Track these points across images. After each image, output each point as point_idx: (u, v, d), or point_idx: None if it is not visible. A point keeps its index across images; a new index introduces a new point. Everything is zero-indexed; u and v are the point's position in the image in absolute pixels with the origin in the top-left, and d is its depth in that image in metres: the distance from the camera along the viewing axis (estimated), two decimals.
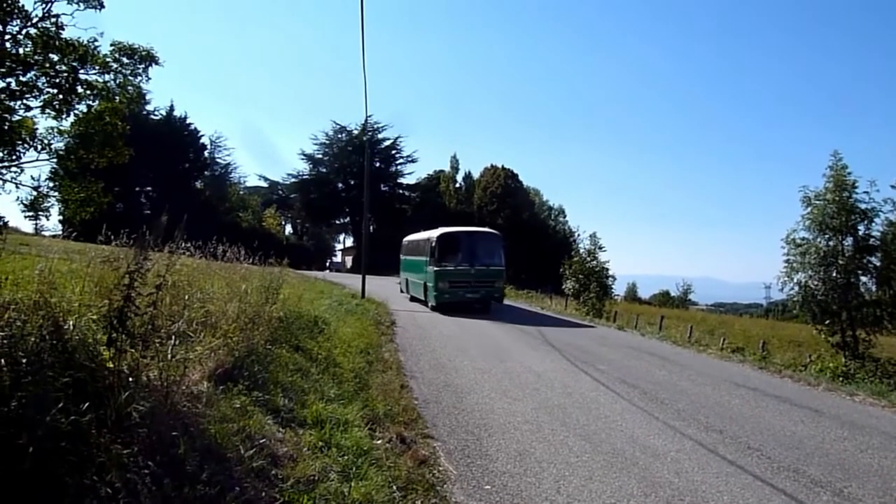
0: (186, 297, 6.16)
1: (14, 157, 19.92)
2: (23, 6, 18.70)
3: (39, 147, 20.34)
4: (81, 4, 19.27)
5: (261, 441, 4.38)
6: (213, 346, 5.59)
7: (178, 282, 6.27)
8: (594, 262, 29.08)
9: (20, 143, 19.82)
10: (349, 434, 5.31)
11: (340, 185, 64.84)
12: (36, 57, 19.14)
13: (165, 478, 3.28)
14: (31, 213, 37.79)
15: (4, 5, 18.00)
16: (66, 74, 19.46)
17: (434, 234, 20.94)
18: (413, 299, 24.01)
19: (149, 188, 59.39)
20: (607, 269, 29.00)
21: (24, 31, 18.92)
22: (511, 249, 24.58)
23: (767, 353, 14.36)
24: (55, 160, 21.19)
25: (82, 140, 20.50)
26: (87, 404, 3.29)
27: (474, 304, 20.61)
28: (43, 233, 35.05)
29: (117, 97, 20.66)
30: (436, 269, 19.96)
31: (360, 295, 20.67)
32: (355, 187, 60.13)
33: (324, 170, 65.25)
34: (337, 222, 70.52)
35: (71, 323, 3.91)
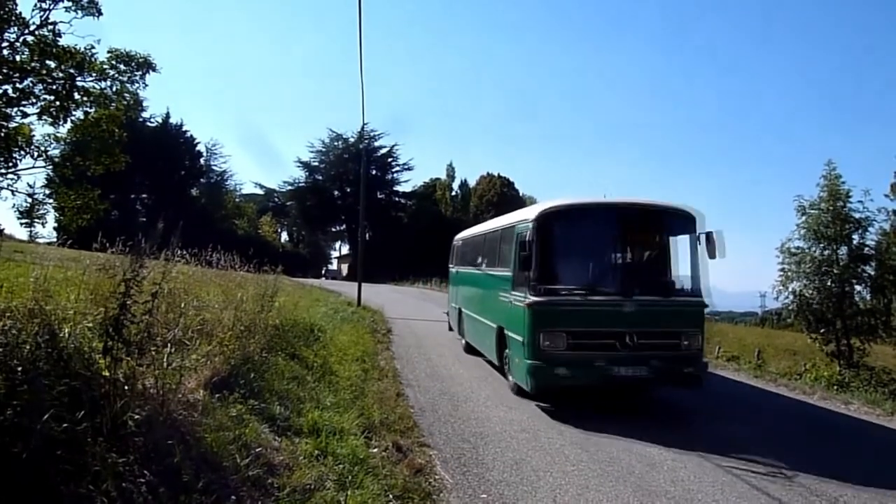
0: (182, 305, 6.16)
1: (10, 165, 19.89)
2: (20, 13, 18.76)
3: (36, 154, 20.32)
4: (79, 12, 19.34)
5: (257, 450, 4.37)
6: (209, 353, 5.58)
7: (173, 290, 6.25)
8: None
9: (17, 149, 19.80)
10: (345, 442, 5.29)
11: (336, 192, 64.91)
12: (33, 64, 19.16)
13: (161, 487, 3.27)
14: (26, 221, 37.68)
15: (2, 13, 18.03)
16: (62, 81, 19.48)
17: (530, 214, 8.68)
18: (470, 350, 12.33)
19: (144, 196, 59.32)
20: None
21: (21, 39, 18.96)
22: None
23: (763, 361, 14.38)
24: (51, 167, 21.17)
25: (79, 147, 20.49)
26: (82, 413, 3.27)
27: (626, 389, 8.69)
28: (38, 240, 34.94)
29: (114, 104, 20.68)
30: (534, 299, 7.90)
31: (356, 303, 20.57)
32: (351, 195, 60.21)
33: (320, 177, 65.34)
34: (333, 230, 70.51)
35: (66, 331, 3.91)
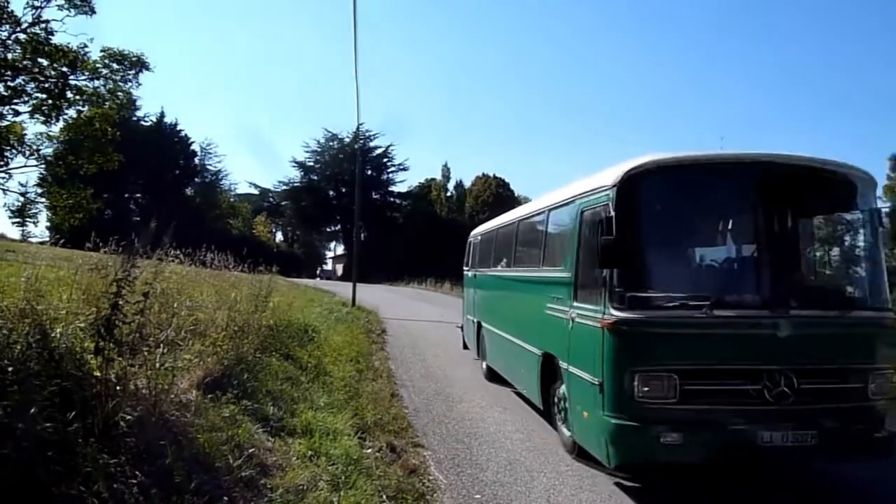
0: (175, 305, 6.13)
1: (2, 163, 19.83)
2: (12, 11, 18.69)
3: (28, 153, 20.28)
4: (72, 10, 19.29)
5: (250, 450, 4.35)
6: (202, 353, 5.57)
7: (166, 289, 6.24)
8: None
9: (8, 148, 19.74)
10: (339, 443, 5.28)
11: (332, 192, 64.83)
12: (25, 62, 19.10)
13: (153, 488, 3.25)
14: (18, 220, 37.51)
15: None
16: (55, 80, 19.43)
17: (606, 179, 5.17)
18: (494, 377, 9.43)
19: (138, 195, 59.14)
20: None
21: (13, 36, 18.89)
22: None
23: None
24: (44, 166, 21.12)
25: (72, 146, 20.45)
26: (73, 413, 3.26)
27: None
28: (30, 239, 34.79)
29: (107, 103, 20.64)
30: (619, 315, 4.69)
31: (350, 303, 20.54)
32: (346, 195, 60.05)
33: (315, 177, 65.24)
34: (328, 230, 70.40)
35: (58, 331, 3.89)
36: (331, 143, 64.26)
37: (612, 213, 4.84)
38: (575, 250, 5.69)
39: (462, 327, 12.56)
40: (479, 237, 11.53)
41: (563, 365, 5.81)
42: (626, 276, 4.76)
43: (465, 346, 12.12)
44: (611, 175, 5.09)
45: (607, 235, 4.75)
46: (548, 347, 6.42)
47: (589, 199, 5.52)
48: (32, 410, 3.03)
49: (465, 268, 12.35)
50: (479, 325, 10.46)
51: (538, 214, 7.53)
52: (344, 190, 62.18)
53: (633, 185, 4.90)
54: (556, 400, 6.33)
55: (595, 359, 4.94)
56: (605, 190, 5.10)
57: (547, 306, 6.28)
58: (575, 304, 5.54)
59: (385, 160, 65.58)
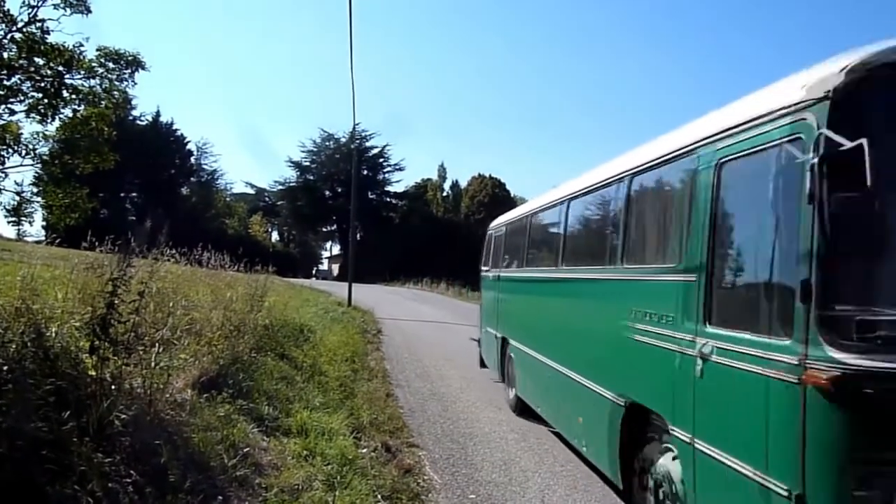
0: (171, 304, 6.13)
1: None
2: (8, 10, 18.64)
3: (24, 152, 20.23)
4: (68, 10, 19.24)
5: (245, 450, 4.36)
6: (197, 353, 5.57)
7: (162, 289, 6.23)
8: None
9: (4, 147, 19.69)
10: (334, 443, 5.28)
11: (328, 192, 64.79)
12: (21, 61, 19.05)
13: (148, 487, 3.26)
14: (13, 219, 37.35)
15: None
16: (51, 79, 19.39)
17: (793, 92, 2.61)
18: (526, 410, 7.35)
19: (134, 194, 58.93)
20: None
21: (8, 36, 18.83)
22: None
23: None
24: (40, 165, 21.06)
25: (68, 145, 20.42)
26: (68, 412, 3.26)
27: None
28: (26, 238, 34.66)
29: (103, 102, 20.61)
30: (846, 362, 2.28)
31: (346, 303, 20.53)
32: (342, 195, 60.01)
33: (311, 177, 65.17)
34: (324, 230, 70.31)
35: (53, 330, 3.89)
36: (327, 143, 64.26)
37: (850, 146, 2.31)
38: (706, 233, 3.32)
39: (479, 341, 10.38)
40: (504, 228, 9.09)
41: (678, 433, 3.50)
42: (869, 278, 2.49)
43: (483, 365, 9.96)
44: (810, 82, 2.63)
45: (841, 190, 2.37)
46: (636, 395, 4.16)
47: (740, 140, 3.11)
48: (26, 409, 3.04)
49: (483, 268, 10.11)
50: (505, 343, 8.38)
51: (608, 185, 5.06)
52: (340, 190, 62.15)
53: (879, 87, 2.49)
54: (647, 478, 4.04)
55: (774, 441, 2.68)
56: (802, 108, 2.62)
57: (630, 326, 4.13)
58: (710, 328, 3.23)
59: (381, 160, 65.65)
